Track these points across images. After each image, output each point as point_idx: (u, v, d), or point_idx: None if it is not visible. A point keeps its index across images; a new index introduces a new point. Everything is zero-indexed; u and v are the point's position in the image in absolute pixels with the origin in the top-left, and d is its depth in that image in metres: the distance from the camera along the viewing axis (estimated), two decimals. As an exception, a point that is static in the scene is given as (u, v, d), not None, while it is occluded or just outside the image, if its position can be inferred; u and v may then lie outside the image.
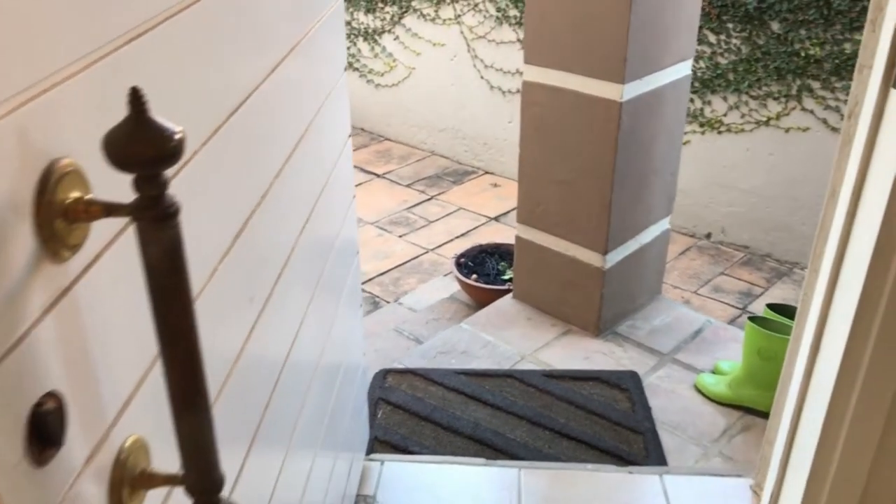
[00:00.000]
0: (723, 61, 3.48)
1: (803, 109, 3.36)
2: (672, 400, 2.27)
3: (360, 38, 4.97)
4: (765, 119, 3.48)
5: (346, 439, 1.63)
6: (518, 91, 4.25)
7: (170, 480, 0.64)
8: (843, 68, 3.19)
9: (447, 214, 4.24)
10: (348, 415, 1.65)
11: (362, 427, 1.87)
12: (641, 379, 2.35)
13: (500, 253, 3.13)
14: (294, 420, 1.21)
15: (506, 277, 2.96)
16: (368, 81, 5.02)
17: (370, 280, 3.46)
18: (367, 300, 3.28)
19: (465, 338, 2.55)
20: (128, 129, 0.50)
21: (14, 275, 0.50)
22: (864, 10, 3.04)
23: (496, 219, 4.12)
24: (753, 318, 2.20)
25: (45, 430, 0.53)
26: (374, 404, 2.21)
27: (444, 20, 4.52)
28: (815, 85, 3.29)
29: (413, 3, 4.58)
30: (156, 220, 0.53)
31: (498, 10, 4.25)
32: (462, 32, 4.48)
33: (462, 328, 2.60)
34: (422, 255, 3.79)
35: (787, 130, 3.44)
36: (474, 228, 4.06)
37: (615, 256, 2.49)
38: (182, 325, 0.57)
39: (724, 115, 3.57)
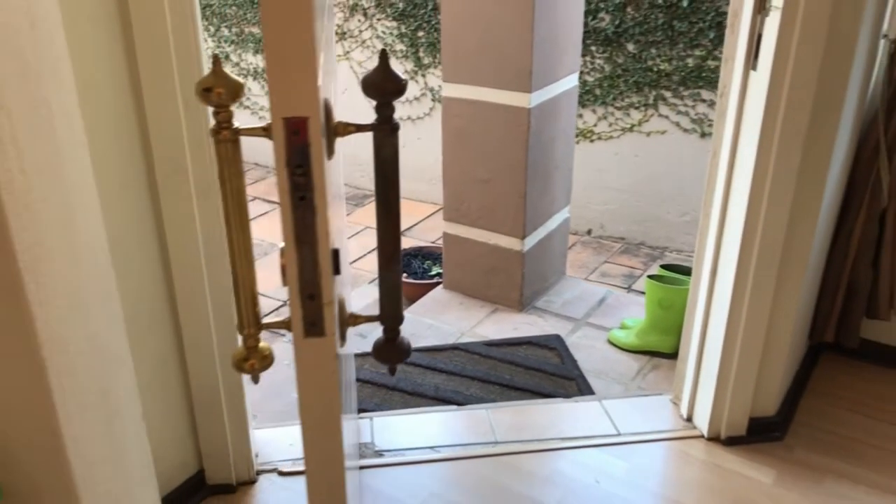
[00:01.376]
0: (590, 79, 4.06)
1: (660, 115, 3.99)
2: (592, 353, 2.71)
3: (250, 78, 5.22)
4: (629, 126, 4.08)
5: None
6: (410, 118, 4.68)
7: (370, 319, 0.96)
8: (688, 79, 3.84)
9: (356, 233, 4.55)
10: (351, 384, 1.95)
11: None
12: (564, 340, 2.78)
13: (423, 254, 3.49)
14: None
15: (433, 273, 3.32)
16: (260, 118, 5.26)
17: (300, 293, 3.70)
18: (301, 309, 3.52)
19: (409, 324, 2.88)
20: (379, 75, 0.84)
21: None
22: (701, 31, 3.71)
23: (404, 233, 4.48)
24: (651, 276, 2.69)
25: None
26: (345, 382, 2.50)
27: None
28: (668, 94, 3.93)
29: (304, 41, 4.89)
30: (389, 131, 0.86)
31: (385, 44, 4.66)
32: (351, 67, 4.85)
33: (405, 316, 2.93)
34: (339, 269, 4.07)
35: (648, 134, 4.05)
36: (384, 243, 4.39)
37: (531, 241, 2.92)
38: (394, 203, 0.90)
39: (595, 125, 4.15)
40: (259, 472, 1.95)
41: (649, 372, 2.61)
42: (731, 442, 2.07)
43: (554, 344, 2.75)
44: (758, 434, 2.08)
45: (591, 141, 4.17)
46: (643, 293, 2.95)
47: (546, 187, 2.94)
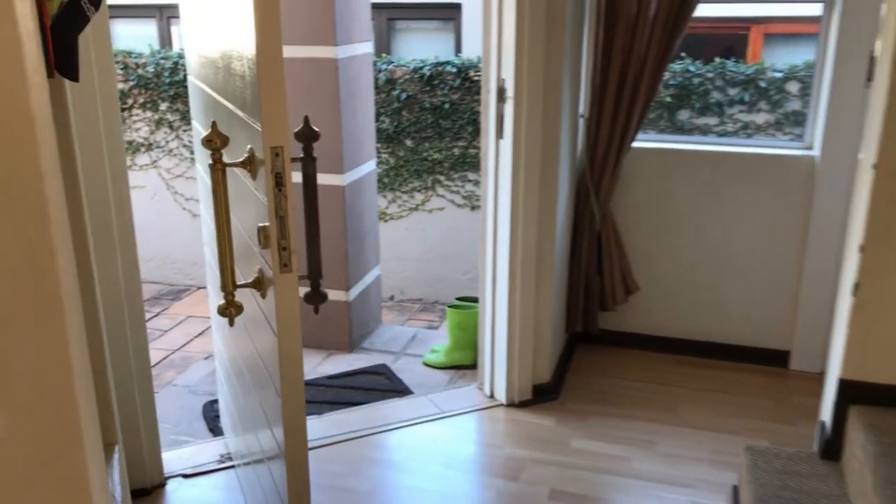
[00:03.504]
0: (379, 170, 4.92)
1: (437, 195, 4.92)
2: (412, 374, 3.40)
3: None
4: (414, 206, 4.96)
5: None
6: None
7: (303, 277, 1.59)
8: (456, 165, 4.83)
9: (178, 324, 4.91)
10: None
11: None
12: (390, 367, 3.45)
13: (256, 322, 4.01)
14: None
15: (269, 334, 3.85)
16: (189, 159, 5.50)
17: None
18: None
19: (258, 372, 3.39)
20: (306, 129, 1.53)
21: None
22: (462, 127, 4.73)
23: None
24: (451, 307, 3.48)
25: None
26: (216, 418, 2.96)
27: (141, 166, 5.32)
28: (442, 178, 4.88)
29: (113, 153, 5.29)
30: (312, 161, 1.54)
31: (191, 153, 5.22)
32: (160, 174, 5.32)
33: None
34: (170, 354, 4.43)
35: (430, 211, 4.95)
36: (209, 328, 4.81)
37: (354, 292, 3.60)
38: (314, 201, 1.57)
39: (387, 207, 4.98)
40: (167, 478, 2.38)
41: (458, 379, 3.34)
42: (522, 405, 2.85)
43: (382, 370, 3.41)
44: (540, 396, 2.88)
45: (386, 221, 4.99)
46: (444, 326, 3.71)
47: (361, 249, 3.66)
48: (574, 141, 3.03)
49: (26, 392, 0.67)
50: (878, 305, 2.05)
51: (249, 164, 1.50)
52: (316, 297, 1.64)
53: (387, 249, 5.01)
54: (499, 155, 2.67)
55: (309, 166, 1.55)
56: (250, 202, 1.60)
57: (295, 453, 1.59)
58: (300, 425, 1.59)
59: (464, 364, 3.45)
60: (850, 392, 2.15)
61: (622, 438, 2.63)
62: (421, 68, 4.72)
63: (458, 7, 6.86)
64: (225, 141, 1.48)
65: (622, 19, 2.85)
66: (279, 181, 1.41)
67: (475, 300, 3.54)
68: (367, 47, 3.58)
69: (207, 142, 1.46)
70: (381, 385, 3.26)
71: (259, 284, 1.59)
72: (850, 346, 2.12)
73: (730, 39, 6.30)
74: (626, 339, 3.34)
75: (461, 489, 2.39)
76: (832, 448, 2.22)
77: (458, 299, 3.60)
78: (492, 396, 2.93)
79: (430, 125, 4.80)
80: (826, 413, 2.26)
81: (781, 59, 4.72)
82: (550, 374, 2.95)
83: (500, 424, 2.74)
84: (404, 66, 4.76)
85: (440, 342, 3.68)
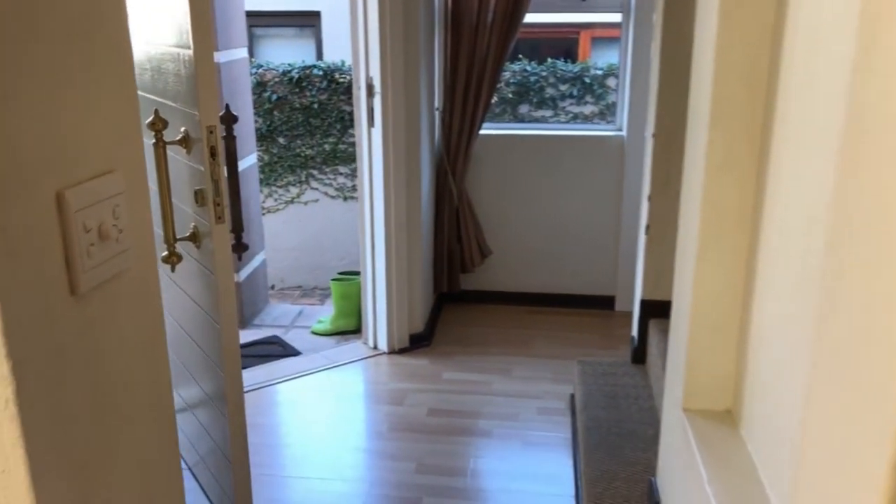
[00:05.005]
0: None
1: (312, 189, 5.35)
2: (303, 342, 3.85)
3: None
4: (290, 199, 5.38)
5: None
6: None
7: (231, 230, 2.04)
8: (328, 160, 5.29)
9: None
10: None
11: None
12: (281, 337, 3.88)
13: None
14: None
15: (164, 319, 4.16)
16: None
17: None
18: None
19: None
20: (227, 114, 1.98)
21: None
22: (331, 125, 5.20)
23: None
24: (334, 280, 3.95)
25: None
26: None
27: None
28: (315, 172, 5.32)
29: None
30: (233, 139, 2.00)
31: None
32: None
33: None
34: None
35: (305, 204, 5.38)
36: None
37: (244, 273, 3.99)
38: (235, 170, 2.02)
39: (264, 202, 5.36)
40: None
41: (344, 343, 3.82)
42: (401, 351, 3.38)
43: (275, 340, 3.83)
44: (415, 343, 3.42)
45: (264, 214, 5.36)
46: (328, 303, 4.17)
47: (249, 234, 4.05)
48: (432, 130, 3.60)
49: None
50: (662, 240, 2.75)
51: (185, 142, 1.94)
52: (239, 247, 2.09)
53: (266, 241, 5.39)
54: (371, 142, 3.18)
55: (231, 143, 2.00)
56: (182, 174, 2.02)
57: (232, 370, 2.03)
58: (236, 349, 2.03)
59: (348, 330, 3.93)
60: (649, 309, 2.84)
61: (484, 369, 3.22)
62: (289, 72, 5.15)
63: (317, 14, 7.29)
64: (165, 124, 1.90)
65: (465, 26, 3.45)
66: (213, 152, 1.86)
67: (355, 273, 4.04)
68: (243, 52, 3.99)
69: (152, 125, 1.88)
70: (276, 352, 3.69)
71: (195, 237, 2.02)
72: (646, 274, 2.81)
73: (565, 42, 7.16)
74: (484, 296, 3.95)
75: (356, 414, 2.89)
76: (639, 354, 2.90)
77: (340, 273, 4.07)
78: (375, 347, 3.44)
79: (301, 124, 5.23)
80: (634, 329, 2.95)
81: (604, 59, 5.53)
82: (423, 325, 3.50)
83: (384, 367, 3.25)
84: (273, 69, 5.17)
85: (325, 314, 4.15)
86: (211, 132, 1.84)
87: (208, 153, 1.85)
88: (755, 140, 1.69)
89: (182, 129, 1.95)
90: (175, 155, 2.04)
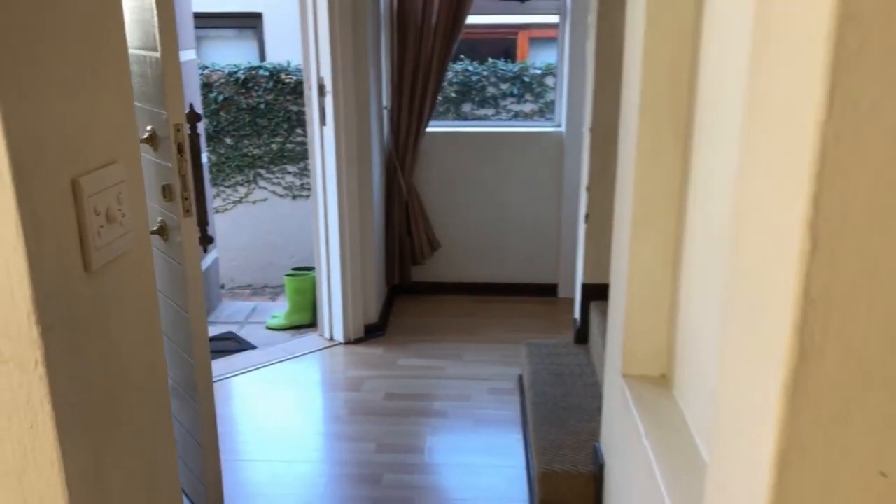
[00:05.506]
0: (202, 167, 5.33)
1: (260, 188, 5.42)
2: (258, 337, 3.93)
3: None
4: (238, 199, 5.43)
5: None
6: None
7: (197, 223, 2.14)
8: (275, 159, 5.36)
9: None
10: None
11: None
12: (237, 333, 3.95)
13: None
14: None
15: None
16: None
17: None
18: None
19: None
20: (190, 112, 2.08)
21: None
22: (278, 124, 5.27)
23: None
24: (288, 275, 4.05)
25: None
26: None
27: None
28: (263, 172, 5.39)
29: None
30: (196, 134, 2.10)
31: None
32: None
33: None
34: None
35: (254, 203, 5.45)
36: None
37: (197, 271, 4.05)
38: (199, 161, 2.12)
39: (213, 202, 5.40)
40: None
41: (300, 337, 3.93)
42: (357, 341, 3.51)
43: (230, 336, 3.91)
44: (370, 334, 3.56)
45: (213, 214, 5.40)
46: (281, 300, 4.26)
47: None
48: (381, 128, 3.73)
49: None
50: (600, 228, 2.95)
51: (152, 140, 2.03)
52: (204, 239, 2.19)
53: (216, 240, 5.44)
54: (323, 140, 3.30)
55: (195, 140, 2.10)
56: (149, 170, 2.12)
57: (202, 356, 2.13)
58: (205, 336, 2.14)
59: (303, 324, 4.03)
60: (589, 292, 3.04)
61: (436, 355, 3.38)
62: (235, 72, 5.21)
63: (258, 16, 7.33)
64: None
65: (410, 27, 3.60)
66: (180, 149, 1.96)
67: (308, 269, 4.15)
68: (192, 54, 4.05)
69: (119, 124, 1.97)
70: (232, 347, 3.77)
71: (163, 231, 2.11)
72: (586, 259, 3.01)
73: (503, 43, 7.36)
74: (434, 287, 4.10)
75: (315, 401, 3.01)
76: (581, 334, 3.10)
77: (293, 269, 4.17)
78: (331, 338, 3.56)
79: (248, 124, 5.29)
80: (577, 311, 3.15)
81: (541, 58, 5.75)
82: (378, 316, 3.63)
83: (341, 356, 3.38)
84: (219, 70, 5.22)
85: (279, 311, 4.24)
86: (178, 130, 1.95)
87: (175, 150, 1.95)
88: (680, 131, 1.88)
89: (148, 127, 2.04)
90: (143, 153, 2.13)
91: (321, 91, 3.22)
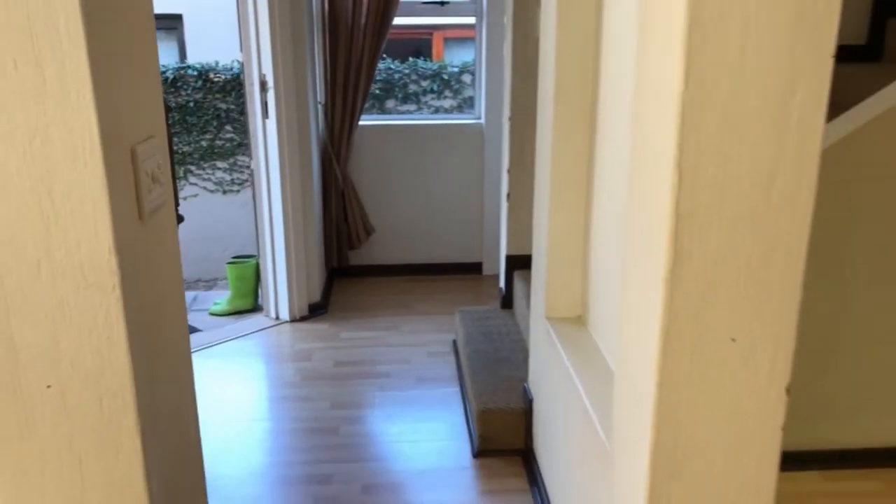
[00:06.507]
0: (133, 165, 5.46)
1: (191, 184, 5.59)
2: (203, 322, 4.15)
3: None
4: (170, 195, 5.57)
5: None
6: None
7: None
8: (205, 156, 5.55)
9: None
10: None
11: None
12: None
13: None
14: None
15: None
16: None
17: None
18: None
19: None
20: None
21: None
22: (207, 122, 5.46)
23: None
24: (229, 263, 4.28)
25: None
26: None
27: None
28: (193, 168, 5.56)
29: None
30: (169, 122, 2.36)
31: None
32: None
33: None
34: None
35: (185, 199, 5.60)
36: None
37: (140, 262, 4.22)
38: (170, 143, 2.38)
39: (144, 198, 5.53)
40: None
41: (243, 320, 4.17)
42: (302, 319, 3.79)
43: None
44: (314, 311, 3.84)
45: (143, 211, 5.53)
46: (219, 291, 4.49)
47: (141, 226, 4.28)
48: (317, 121, 4.02)
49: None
50: (520, 205, 3.35)
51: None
52: (178, 219, 2.45)
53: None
54: (266, 133, 3.57)
55: (167, 128, 2.36)
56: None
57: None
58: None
59: (245, 309, 4.27)
60: (512, 262, 3.43)
61: (376, 327, 3.70)
62: (164, 72, 5.36)
63: (179, 17, 7.43)
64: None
65: (342, 28, 3.90)
66: (158, 136, 2.22)
67: (248, 257, 4.38)
68: (128, 54, 4.21)
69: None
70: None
71: (140, 210, 2.36)
72: (509, 234, 3.40)
73: (419, 43, 7.74)
74: (371, 270, 4.42)
75: (269, 370, 3.29)
76: (506, 301, 3.49)
77: (234, 258, 4.40)
78: (277, 318, 3.83)
79: (178, 122, 5.45)
80: (502, 280, 3.54)
81: (457, 57, 6.13)
82: (320, 295, 3.92)
83: (288, 332, 3.65)
84: (148, 70, 5.36)
85: (220, 298, 4.46)
86: (156, 119, 2.21)
87: (154, 137, 2.21)
88: (587, 116, 2.29)
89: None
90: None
91: (263, 87, 3.49)
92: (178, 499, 1.53)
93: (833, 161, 2.25)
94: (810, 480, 2.52)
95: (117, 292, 1.23)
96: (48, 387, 1.25)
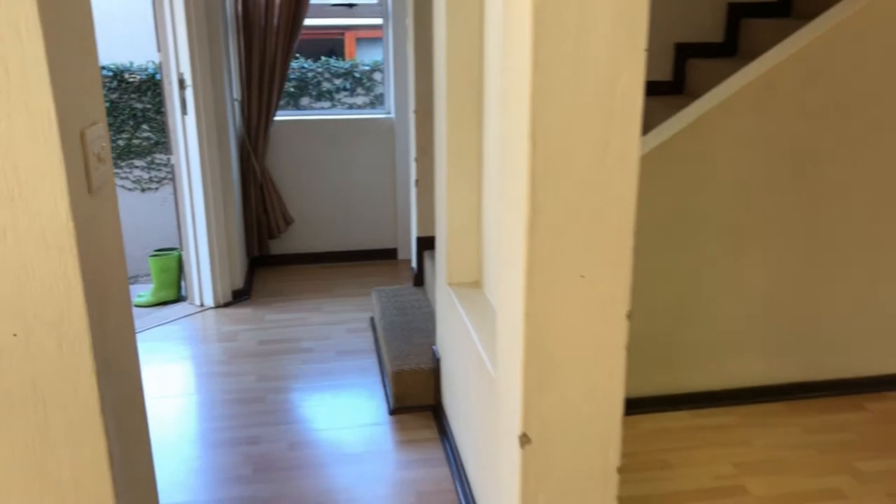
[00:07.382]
0: (48, 165, 5.50)
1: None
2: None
3: None
4: (87, 194, 5.64)
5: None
6: None
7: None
8: (123, 155, 5.63)
9: None
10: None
11: None
12: (107, 311, 4.29)
13: None
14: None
15: None
16: None
17: None
18: None
19: None
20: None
21: (82, 128, 2.48)
22: (123, 122, 5.55)
23: None
24: (152, 256, 4.43)
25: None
26: None
27: None
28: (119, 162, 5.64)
29: None
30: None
31: None
32: None
33: None
34: None
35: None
36: None
37: (63, 258, 4.33)
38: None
39: (60, 198, 5.58)
40: None
41: (162, 310, 4.33)
42: (226, 304, 4.00)
43: (101, 314, 4.24)
44: (238, 298, 4.05)
45: (60, 211, 5.58)
46: (147, 280, 4.63)
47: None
48: (234, 118, 4.23)
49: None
50: (427, 190, 3.66)
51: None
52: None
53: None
54: (186, 129, 3.76)
55: (94, 124, 2.56)
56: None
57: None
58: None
59: (169, 300, 4.43)
60: (423, 243, 3.74)
61: (298, 309, 3.95)
62: (78, 73, 5.42)
63: (88, 18, 7.41)
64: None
65: (255, 28, 4.12)
66: (88, 129, 2.42)
67: (169, 249, 4.55)
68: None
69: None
70: (105, 322, 4.11)
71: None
72: (418, 217, 3.71)
73: (332, 42, 7.96)
74: (291, 258, 4.65)
75: (196, 351, 3.49)
76: (418, 279, 3.80)
77: (156, 251, 4.55)
78: (202, 305, 4.02)
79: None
80: (413, 261, 3.84)
81: (368, 56, 6.40)
82: (243, 282, 4.14)
83: (213, 317, 3.86)
84: (61, 71, 5.42)
85: (144, 290, 4.60)
86: (85, 114, 2.40)
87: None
88: (476, 105, 2.61)
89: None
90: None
91: (181, 84, 3.68)
92: (127, 435, 1.76)
93: (690, 138, 2.65)
94: (681, 419, 2.92)
95: (74, 252, 1.47)
96: (14, 335, 1.48)
